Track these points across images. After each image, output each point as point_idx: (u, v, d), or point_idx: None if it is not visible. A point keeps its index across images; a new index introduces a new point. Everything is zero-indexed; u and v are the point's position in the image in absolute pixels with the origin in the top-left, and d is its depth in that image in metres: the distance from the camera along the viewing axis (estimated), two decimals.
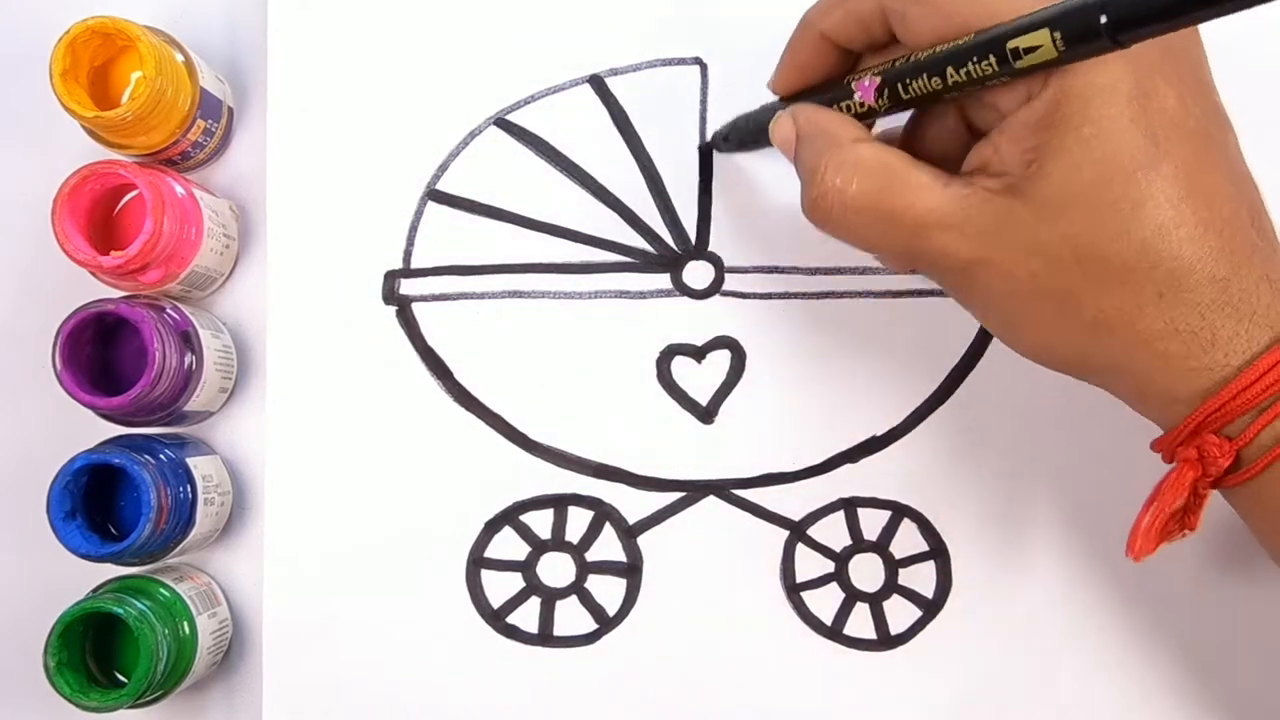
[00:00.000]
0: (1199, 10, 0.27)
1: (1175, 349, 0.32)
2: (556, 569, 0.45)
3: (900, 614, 0.44)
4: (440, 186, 0.45)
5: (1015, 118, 0.32)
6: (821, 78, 0.37)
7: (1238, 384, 0.31)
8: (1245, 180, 0.33)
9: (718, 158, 0.45)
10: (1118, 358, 0.33)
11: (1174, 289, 0.31)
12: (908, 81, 0.34)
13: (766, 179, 0.45)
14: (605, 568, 0.45)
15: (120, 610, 0.39)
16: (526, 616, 0.44)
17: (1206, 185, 0.31)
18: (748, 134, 0.42)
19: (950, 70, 0.32)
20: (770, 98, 0.40)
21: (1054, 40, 0.30)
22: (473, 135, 0.45)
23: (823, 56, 0.37)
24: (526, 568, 0.45)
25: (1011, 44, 0.31)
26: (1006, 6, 0.31)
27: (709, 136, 0.45)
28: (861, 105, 0.36)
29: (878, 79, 0.35)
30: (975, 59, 0.32)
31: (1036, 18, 0.30)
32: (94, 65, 0.42)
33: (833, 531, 0.44)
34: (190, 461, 0.43)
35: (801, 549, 0.44)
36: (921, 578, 0.44)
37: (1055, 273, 0.32)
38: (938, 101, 0.34)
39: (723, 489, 0.44)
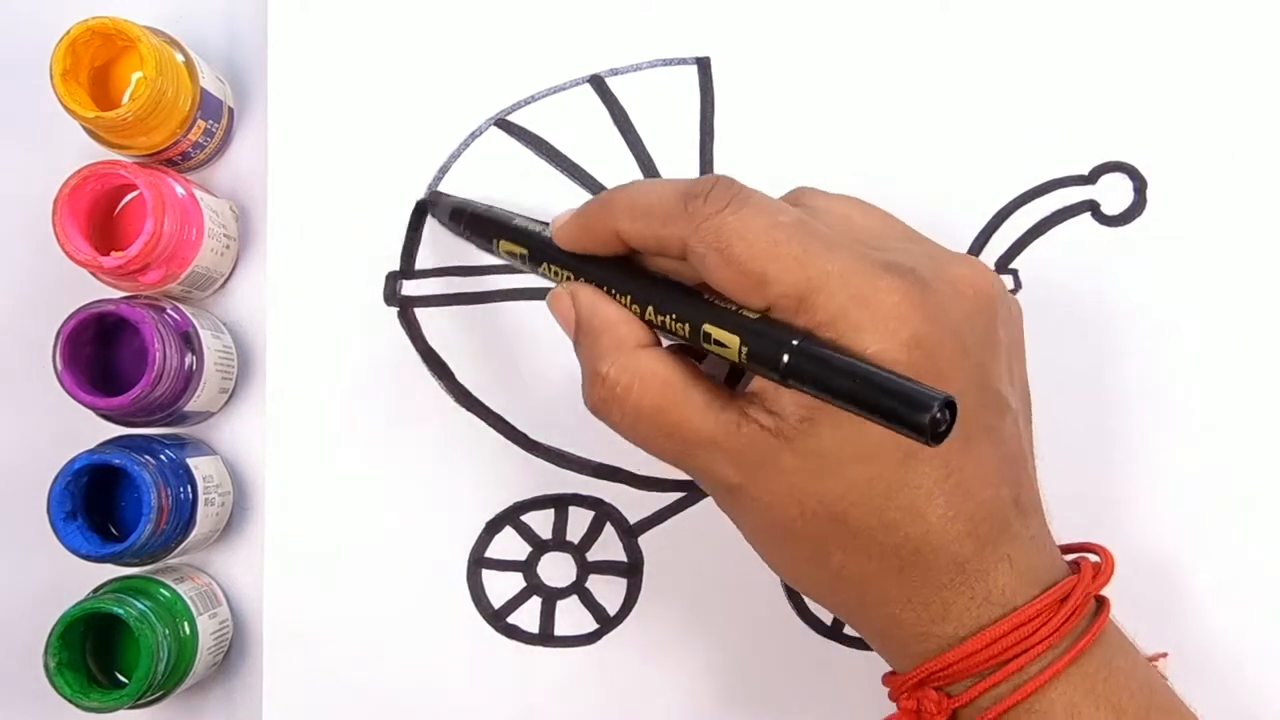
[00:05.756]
0: (852, 407, 0.29)
1: (909, 616, 0.33)
2: (557, 569, 0.45)
3: None
4: (441, 187, 0.45)
5: None
6: (608, 254, 0.35)
7: (958, 653, 0.32)
8: (1017, 460, 0.34)
9: (717, 156, 0.45)
10: (857, 609, 0.34)
11: (916, 566, 0.32)
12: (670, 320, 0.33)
13: (764, 180, 0.45)
14: (606, 568, 0.45)
15: (121, 610, 0.39)
16: (527, 616, 0.44)
17: (968, 473, 0.32)
18: (476, 230, 0.41)
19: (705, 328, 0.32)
20: None
21: (740, 352, 0.31)
22: (473, 136, 0.45)
23: (614, 244, 0.35)
24: (527, 567, 0.45)
25: (705, 328, 0.32)
26: (800, 281, 0.31)
27: (700, 153, 0.45)
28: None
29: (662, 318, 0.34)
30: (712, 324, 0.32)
31: (734, 322, 0.31)
32: (94, 66, 0.42)
33: None
34: (190, 462, 0.43)
35: None
36: None
37: (810, 522, 0.32)
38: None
39: None
